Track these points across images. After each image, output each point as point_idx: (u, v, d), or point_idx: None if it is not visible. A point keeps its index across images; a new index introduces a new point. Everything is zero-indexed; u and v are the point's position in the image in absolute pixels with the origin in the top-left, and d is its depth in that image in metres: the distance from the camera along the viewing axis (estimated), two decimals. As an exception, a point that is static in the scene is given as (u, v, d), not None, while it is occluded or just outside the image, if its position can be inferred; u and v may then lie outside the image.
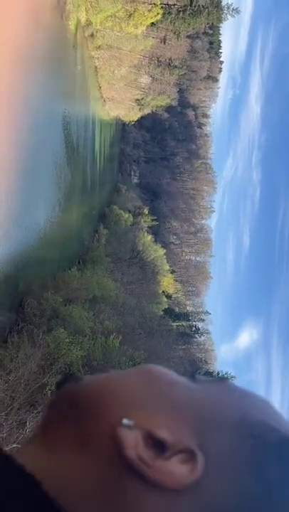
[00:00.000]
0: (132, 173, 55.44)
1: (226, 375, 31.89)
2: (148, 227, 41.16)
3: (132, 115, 44.31)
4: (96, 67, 31.90)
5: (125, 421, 0.33)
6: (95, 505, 0.31)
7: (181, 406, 0.36)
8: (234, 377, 32.67)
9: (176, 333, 33.37)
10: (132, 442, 0.32)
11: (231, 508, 0.32)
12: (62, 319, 14.61)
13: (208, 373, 31.08)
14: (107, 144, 40.97)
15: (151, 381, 0.38)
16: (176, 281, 47.70)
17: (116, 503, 0.30)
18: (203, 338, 41.23)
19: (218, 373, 31.79)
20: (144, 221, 40.31)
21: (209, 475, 0.32)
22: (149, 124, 53.22)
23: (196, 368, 30.97)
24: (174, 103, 47.60)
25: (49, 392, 12.14)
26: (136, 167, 55.80)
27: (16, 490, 0.29)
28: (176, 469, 0.31)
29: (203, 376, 0.43)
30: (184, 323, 38.16)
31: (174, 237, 55.15)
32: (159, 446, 0.32)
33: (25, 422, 9.81)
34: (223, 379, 0.43)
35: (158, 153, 56.48)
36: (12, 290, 12.87)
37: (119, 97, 38.58)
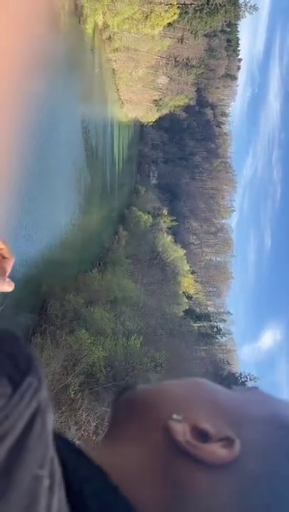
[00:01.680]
0: (151, 174, 55.44)
1: (249, 377, 31.49)
2: (167, 227, 41.10)
3: (150, 116, 44.35)
4: (114, 69, 32.07)
5: (175, 416, 0.40)
6: (154, 487, 0.37)
7: (221, 406, 0.43)
8: (257, 378, 32.21)
9: (198, 333, 33.14)
10: (181, 430, 0.39)
11: (263, 486, 0.38)
12: (84, 320, 14.72)
13: (231, 374, 30.72)
14: (126, 146, 41.17)
15: (196, 387, 0.46)
16: (197, 281, 47.40)
17: (171, 481, 0.37)
18: (224, 338, 40.83)
19: (240, 374, 31.41)
20: (164, 222, 40.26)
21: (245, 458, 0.38)
22: (167, 124, 53.14)
23: (218, 369, 30.68)
24: (192, 103, 47.36)
25: (72, 392, 12.25)
26: (154, 168, 55.78)
27: (87, 479, 0.34)
28: (216, 450, 0.38)
29: (238, 387, 0.50)
30: (205, 324, 37.87)
31: (194, 237, 54.83)
32: (202, 436, 0.39)
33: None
34: (255, 387, 0.50)
35: (176, 153, 56.33)
36: (34, 292, 13.06)
37: (137, 99, 38.69)
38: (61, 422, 10.37)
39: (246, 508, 0.37)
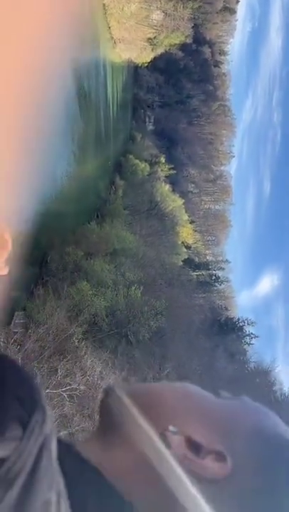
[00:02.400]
0: (147, 120, 53.35)
1: (246, 322, 32.40)
2: (165, 176, 40.28)
3: (145, 56, 41.83)
4: (104, 4, 29.71)
5: (171, 427, 0.43)
6: (144, 488, 0.40)
7: (211, 417, 0.46)
8: (254, 322, 33.16)
9: (196, 282, 33.64)
10: (177, 443, 0.42)
11: (256, 497, 0.41)
12: (85, 272, 14.83)
13: (229, 319, 31.59)
14: (120, 89, 39.18)
15: (188, 397, 0.49)
16: (196, 231, 47.34)
17: (163, 488, 0.39)
18: (223, 286, 41.54)
19: (238, 319, 32.30)
20: (161, 170, 39.39)
21: (239, 470, 0.41)
22: (162, 65, 50.26)
23: (216, 315, 31.50)
24: (189, 40, 44.49)
25: (76, 341, 12.62)
26: (150, 113, 53.55)
27: (76, 471, 0.37)
28: (210, 465, 0.41)
29: (225, 393, 0.52)
30: (203, 273, 38.35)
31: (193, 185, 53.95)
32: (196, 447, 0.42)
33: (57, 369, 10.31)
34: (240, 397, 0.52)
35: (173, 96, 53.82)
36: (34, 245, 13.02)
37: (130, 37, 36.25)
38: (67, 369, 10.75)
39: None
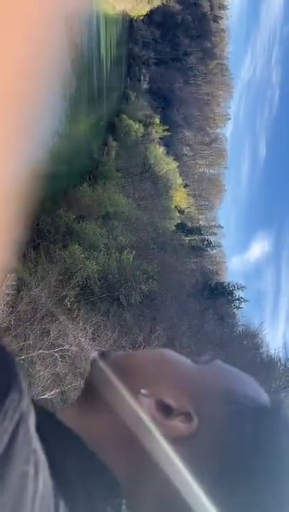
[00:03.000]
0: (142, 78, 51.33)
1: (236, 286, 32.90)
2: (159, 138, 39.31)
3: (140, 8, 39.63)
4: None
5: (143, 391, 0.47)
6: (122, 452, 0.44)
7: (184, 381, 0.49)
8: (244, 287, 33.70)
9: (189, 247, 33.77)
10: (147, 405, 0.45)
11: (217, 455, 0.45)
12: (77, 236, 14.75)
13: (219, 284, 32.04)
14: (114, 44, 37.36)
15: (162, 362, 0.52)
16: (189, 195, 46.91)
17: (137, 448, 0.44)
18: (215, 251, 41.82)
19: (228, 284, 32.76)
20: (156, 131, 38.39)
21: (202, 430, 0.45)
22: (159, 18, 47.77)
23: (207, 279, 31.90)
24: (188, -9, 42.09)
25: (69, 303, 12.74)
26: (146, 70, 51.45)
27: (59, 440, 0.39)
28: (177, 425, 0.45)
29: (202, 357, 0.55)
30: (196, 238, 38.43)
31: (187, 148, 52.85)
32: (166, 410, 0.46)
33: (49, 330, 10.49)
34: (215, 359, 0.55)
35: (169, 53, 51.57)
36: (25, 207, 12.81)
37: (125, -14, 34.17)
38: (59, 331, 10.93)
39: (196, 478, 0.42)
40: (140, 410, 0.44)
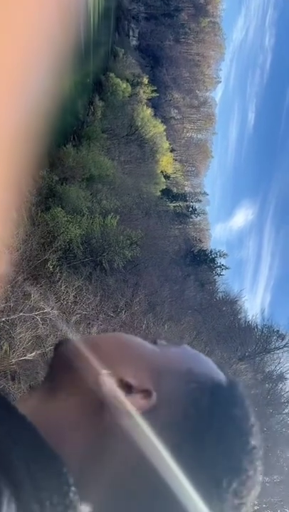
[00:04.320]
0: (131, 33, 48.92)
1: (218, 253, 33.28)
2: (147, 99, 38.08)
3: None
4: None
5: (104, 371, 0.49)
6: (80, 439, 0.46)
7: (144, 361, 0.52)
8: (226, 254, 34.14)
9: (173, 213, 33.68)
10: (108, 384, 0.48)
11: (176, 428, 0.48)
12: (60, 198, 14.47)
13: (202, 251, 32.35)
14: (102, -5, 35.21)
15: (122, 344, 0.55)
16: (176, 160, 46.20)
17: (97, 432, 0.46)
18: (199, 218, 41.86)
19: (211, 251, 33.11)
20: (144, 92, 37.11)
21: (162, 405, 0.48)
22: None
23: (190, 246, 32.12)
24: None
25: (51, 266, 12.68)
26: (135, 25, 48.96)
27: (8, 429, 0.40)
28: (138, 401, 0.48)
29: (163, 341, 0.58)
30: (181, 204, 38.27)
31: (176, 111, 51.46)
32: (127, 388, 0.49)
33: (30, 293, 10.48)
34: (179, 344, 0.58)
35: (160, 7, 49.02)
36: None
37: None
38: (40, 293, 10.94)
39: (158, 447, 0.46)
40: (104, 386, 0.47)
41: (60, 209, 13.47)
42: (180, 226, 34.89)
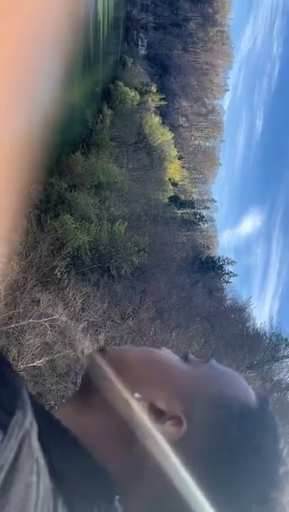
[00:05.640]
0: (140, 43, 49.45)
1: (226, 261, 33.15)
2: (156, 107, 38.35)
3: None
4: None
5: (136, 395, 0.49)
6: (116, 453, 0.47)
7: (175, 384, 0.51)
8: (234, 262, 33.99)
9: (181, 220, 33.72)
10: (140, 409, 0.48)
11: (206, 460, 0.47)
12: (68, 205, 14.58)
13: (210, 258, 32.24)
14: (112, 6, 35.69)
15: (156, 363, 0.54)
16: (184, 167, 46.33)
17: (133, 453, 0.47)
18: (207, 225, 41.82)
19: (219, 258, 32.99)
20: (152, 100, 37.39)
21: (191, 433, 0.48)
22: (159, -21, 45.59)
23: (197, 253, 32.04)
24: None
25: (59, 273, 12.74)
26: (144, 35, 49.49)
27: (57, 442, 0.41)
28: (167, 430, 0.48)
29: (193, 357, 0.57)
30: (188, 211, 38.31)
31: (184, 119, 51.72)
32: (158, 413, 0.48)
33: (39, 300, 10.53)
34: (208, 360, 0.57)
35: (169, 17, 49.54)
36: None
37: None
38: (49, 300, 10.99)
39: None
40: (136, 411, 0.47)
41: (68, 216, 13.57)
42: (188, 233, 34.89)
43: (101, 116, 27.07)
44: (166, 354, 0.55)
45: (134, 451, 0.47)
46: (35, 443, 0.37)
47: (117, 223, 15.72)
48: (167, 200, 32.11)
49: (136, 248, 16.19)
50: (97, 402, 0.50)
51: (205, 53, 51.92)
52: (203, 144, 53.40)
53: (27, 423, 0.36)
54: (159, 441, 0.46)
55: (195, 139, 52.56)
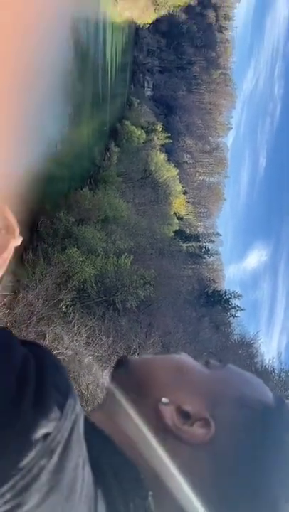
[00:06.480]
0: (146, 85, 51.67)
1: (233, 294, 32.88)
2: (161, 145, 39.52)
3: (147, 17, 39.95)
4: None
5: (164, 399, 0.51)
6: (143, 456, 0.48)
7: (199, 388, 0.53)
8: (241, 295, 33.69)
9: (186, 253, 33.83)
10: (169, 414, 0.50)
11: (232, 456, 0.49)
12: (75, 239, 14.77)
13: (216, 292, 32.02)
14: (119, 51, 37.65)
15: (179, 369, 0.56)
16: (189, 202, 47.06)
17: (162, 448, 0.49)
18: (212, 258, 41.88)
19: (225, 292, 32.74)
20: (158, 138, 38.58)
21: (218, 434, 0.49)
22: (165, 27, 48.20)
23: (203, 287, 31.88)
24: (194, 2, 42.52)
25: (64, 307, 12.71)
26: (150, 77, 51.80)
27: (94, 439, 0.44)
28: (196, 432, 0.49)
29: (213, 361, 0.59)
30: (194, 244, 38.50)
31: (188, 156, 53.09)
32: (185, 415, 0.50)
33: (45, 333, 10.46)
34: (226, 365, 0.60)
35: (174, 61, 51.98)
36: (25, 209, 12.84)
37: (132, -6, 34.49)
38: (55, 334, 10.91)
39: (219, 482, 0.49)
40: (163, 419, 0.49)
41: (75, 249, 13.71)
42: (193, 266, 34.91)
43: (108, 153, 27.92)
44: (188, 359, 0.58)
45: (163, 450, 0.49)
46: (82, 429, 0.40)
47: (123, 256, 15.82)
48: (173, 234, 32.40)
49: (142, 281, 16.19)
50: (124, 407, 0.52)
51: (209, 94, 54.04)
52: (207, 179, 54.49)
53: (78, 408, 0.40)
54: (188, 443, 0.48)
55: (200, 175, 53.69)
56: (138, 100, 43.10)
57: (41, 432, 0.35)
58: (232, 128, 63.50)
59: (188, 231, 41.40)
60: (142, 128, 35.85)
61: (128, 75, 46.26)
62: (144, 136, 34.31)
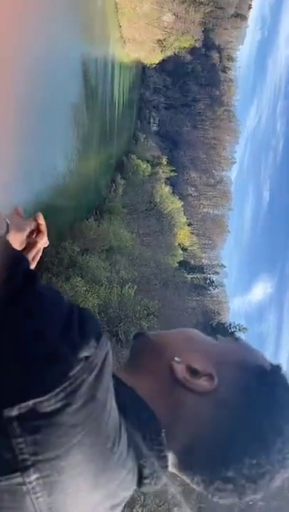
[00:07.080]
0: (152, 120, 53.40)
1: (238, 327, 32.53)
2: (166, 178, 40.36)
3: (153, 57, 41.87)
4: (116, 2, 29.77)
5: (176, 358, 0.62)
6: (162, 405, 0.60)
7: (207, 351, 0.65)
8: (246, 328, 33.31)
9: (191, 284, 33.74)
10: (180, 370, 0.61)
11: (232, 403, 0.60)
12: (80, 268, 14.89)
13: (221, 324, 31.67)
14: (126, 89, 39.22)
15: (190, 336, 0.68)
16: (193, 233, 47.45)
17: (173, 402, 0.60)
18: (217, 290, 41.67)
19: (230, 325, 32.39)
20: (163, 172, 39.46)
21: (221, 387, 0.60)
22: (170, 67, 50.35)
23: (208, 319, 31.57)
24: (198, 44, 44.55)
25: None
26: (155, 114, 53.60)
27: (119, 387, 0.54)
28: (202, 383, 0.60)
29: (221, 336, 0.71)
30: (198, 276, 38.47)
31: (193, 188, 54.04)
32: (194, 372, 0.61)
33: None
34: (234, 337, 0.72)
35: (179, 99, 53.91)
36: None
37: (140, 38, 36.30)
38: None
39: (220, 425, 0.60)
40: (175, 373, 0.61)
41: (79, 279, 13.80)
42: (198, 298, 34.71)
43: (114, 185, 28.55)
44: (199, 332, 0.70)
45: (175, 401, 0.60)
46: (111, 361, 0.50)
47: (127, 286, 15.86)
48: (177, 265, 32.47)
49: (145, 312, 16.14)
50: (143, 366, 0.64)
51: (213, 130, 55.64)
52: (211, 211, 55.16)
53: (109, 344, 0.51)
54: (196, 391, 0.60)
55: (204, 207, 54.39)
56: (144, 135, 44.42)
57: (84, 353, 0.46)
58: (236, 162, 64.87)
59: (192, 262, 41.48)
60: (148, 161, 36.76)
61: (135, 111, 47.94)
62: (149, 169, 35.12)
